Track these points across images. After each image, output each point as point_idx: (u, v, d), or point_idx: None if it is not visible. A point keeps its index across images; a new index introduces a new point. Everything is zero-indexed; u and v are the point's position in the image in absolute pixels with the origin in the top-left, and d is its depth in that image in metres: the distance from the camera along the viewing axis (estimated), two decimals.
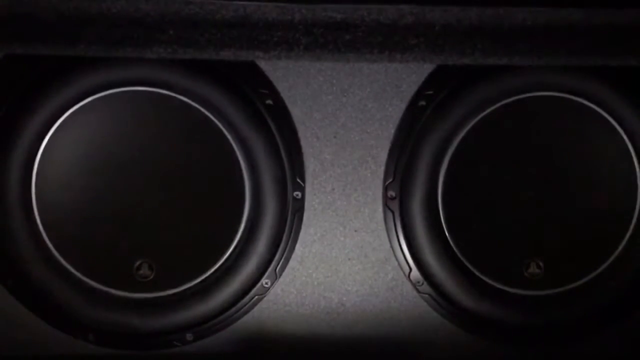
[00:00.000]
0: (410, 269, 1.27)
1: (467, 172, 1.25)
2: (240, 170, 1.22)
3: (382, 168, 1.26)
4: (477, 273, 1.26)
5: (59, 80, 1.18)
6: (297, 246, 1.26)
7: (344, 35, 1.02)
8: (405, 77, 1.23)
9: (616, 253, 1.26)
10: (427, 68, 1.23)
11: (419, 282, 1.27)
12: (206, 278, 1.24)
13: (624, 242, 1.26)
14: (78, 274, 1.22)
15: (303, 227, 1.26)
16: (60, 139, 1.19)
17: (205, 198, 1.23)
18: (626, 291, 1.27)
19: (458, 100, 1.23)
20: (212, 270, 1.24)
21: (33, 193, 1.20)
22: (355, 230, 1.27)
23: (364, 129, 1.25)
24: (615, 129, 1.24)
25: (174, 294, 1.24)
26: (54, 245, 1.21)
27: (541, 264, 1.26)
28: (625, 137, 1.24)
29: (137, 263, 1.22)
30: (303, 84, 1.23)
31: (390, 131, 1.25)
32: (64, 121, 1.19)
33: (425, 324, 1.28)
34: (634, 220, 1.25)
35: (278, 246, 1.24)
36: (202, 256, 1.24)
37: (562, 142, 1.25)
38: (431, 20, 1.01)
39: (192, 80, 1.19)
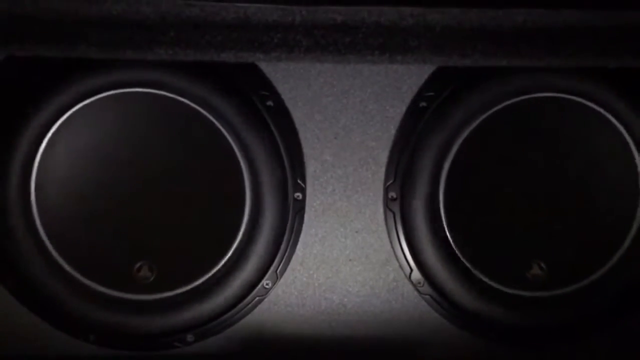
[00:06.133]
0: (411, 270, 1.27)
1: (468, 173, 1.25)
2: (241, 171, 1.22)
3: (383, 169, 1.26)
4: (478, 274, 1.26)
5: (60, 82, 1.18)
6: (298, 247, 1.26)
7: (345, 37, 1.02)
8: (406, 78, 1.23)
9: (618, 254, 1.26)
10: (428, 69, 1.23)
11: (419, 283, 1.27)
12: (207, 279, 1.24)
13: (626, 243, 1.26)
14: (78, 275, 1.22)
15: (304, 228, 1.26)
16: (60, 140, 1.19)
17: (206, 199, 1.23)
18: (629, 292, 1.26)
19: (459, 101, 1.23)
20: (213, 271, 1.24)
21: (33, 194, 1.20)
22: (356, 232, 1.27)
23: (365, 130, 1.25)
24: (617, 129, 1.24)
25: (174, 296, 1.24)
26: (54, 246, 1.21)
27: (543, 265, 1.26)
28: (627, 137, 1.24)
29: (138, 265, 1.23)
30: (304, 86, 1.23)
31: (391, 132, 1.25)
32: (63, 122, 1.19)
33: (426, 324, 1.28)
34: (636, 221, 1.25)
35: (279, 247, 1.24)
36: (203, 257, 1.24)
37: (564, 143, 1.25)
38: (431, 21, 1.01)
39: (192, 82, 1.19)
